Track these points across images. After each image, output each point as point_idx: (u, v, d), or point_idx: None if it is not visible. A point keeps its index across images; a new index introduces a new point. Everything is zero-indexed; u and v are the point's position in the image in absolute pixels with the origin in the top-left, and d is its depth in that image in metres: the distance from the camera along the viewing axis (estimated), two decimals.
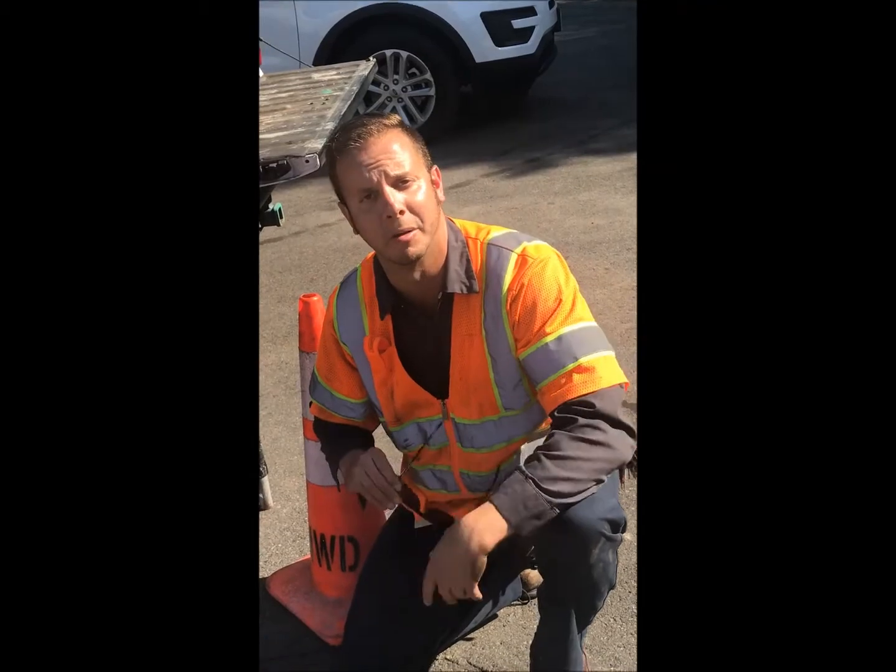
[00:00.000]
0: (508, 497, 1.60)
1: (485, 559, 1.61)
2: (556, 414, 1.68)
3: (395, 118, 1.72)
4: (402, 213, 1.64)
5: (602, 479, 1.65)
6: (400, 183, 1.65)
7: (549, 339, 1.68)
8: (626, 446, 1.67)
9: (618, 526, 1.70)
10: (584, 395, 1.65)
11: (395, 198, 1.64)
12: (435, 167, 1.74)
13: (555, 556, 1.72)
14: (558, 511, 1.61)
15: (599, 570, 1.71)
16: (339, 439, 1.97)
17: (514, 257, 1.73)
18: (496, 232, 1.79)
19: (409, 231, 1.65)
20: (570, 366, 1.67)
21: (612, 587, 1.78)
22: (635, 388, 3.19)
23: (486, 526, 1.59)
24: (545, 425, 1.82)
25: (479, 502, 1.86)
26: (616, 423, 1.66)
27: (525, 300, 1.70)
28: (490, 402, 1.78)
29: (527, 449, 1.78)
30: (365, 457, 1.85)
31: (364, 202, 1.67)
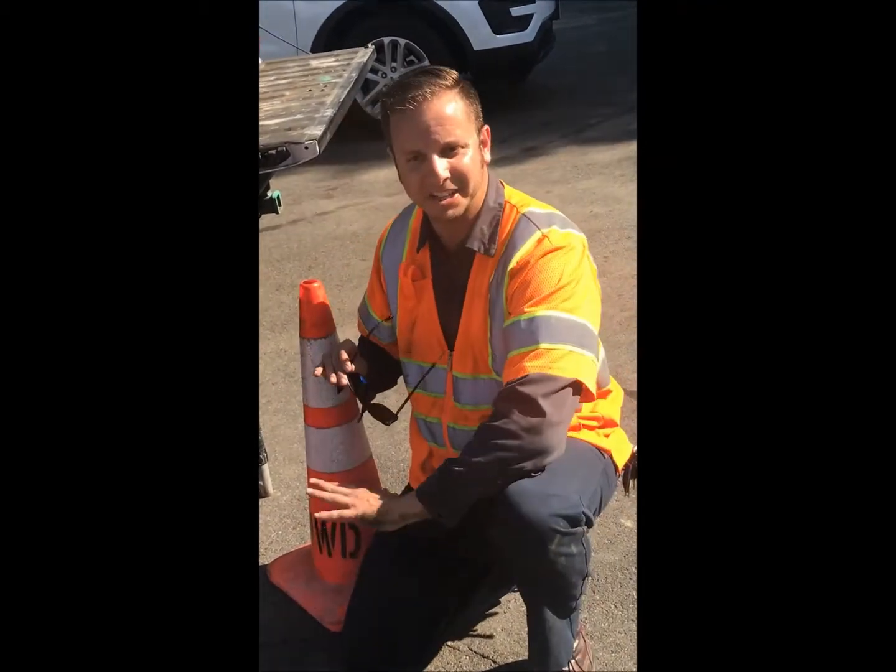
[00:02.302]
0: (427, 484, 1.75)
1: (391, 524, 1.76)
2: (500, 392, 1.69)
3: (451, 77, 1.73)
4: (445, 180, 1.70)
5: (509, 474, 1.66)
6: (448, 150, 1.69)
7: (523, 316, 1.69)
8: (535, 439, 1.64)
9: (577, 521, 1.68)
10: (524, 375, 1.64)
11: (441, 166, 1.69)
12: (486, 127, 1.77)
13: (514, 554, 1.72)
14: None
15: (562, 563, 1.70)
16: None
17: (537, 235, 1.74)
18: (537, 207, 1.81)
19: (451, 195, 1.72)
20: (529, 348, 1.66)
21: (585, 576, 1.77)
22: (635, 376, 3.19)
23: (406, 507, 1.76)
24: None
25: None
26: (532, 410, 1.63)
27: (524, 277, 1.71)
28: (483, 360, 1.80)
29: None
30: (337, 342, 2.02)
31: (411, 162, 1.72)
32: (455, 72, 1.76)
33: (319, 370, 1.91)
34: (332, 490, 1.79)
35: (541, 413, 1.63)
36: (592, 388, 1.71)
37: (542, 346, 1.66)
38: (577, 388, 1.68)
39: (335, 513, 1.76)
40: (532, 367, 1.64)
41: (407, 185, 1.77)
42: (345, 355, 1.90)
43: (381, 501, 1.78)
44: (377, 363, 2.00)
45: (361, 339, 2.06)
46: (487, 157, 1.77)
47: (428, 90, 1.67)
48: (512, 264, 1.73)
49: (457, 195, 1.72)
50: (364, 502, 1.77)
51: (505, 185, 1.85)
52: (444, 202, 1.72)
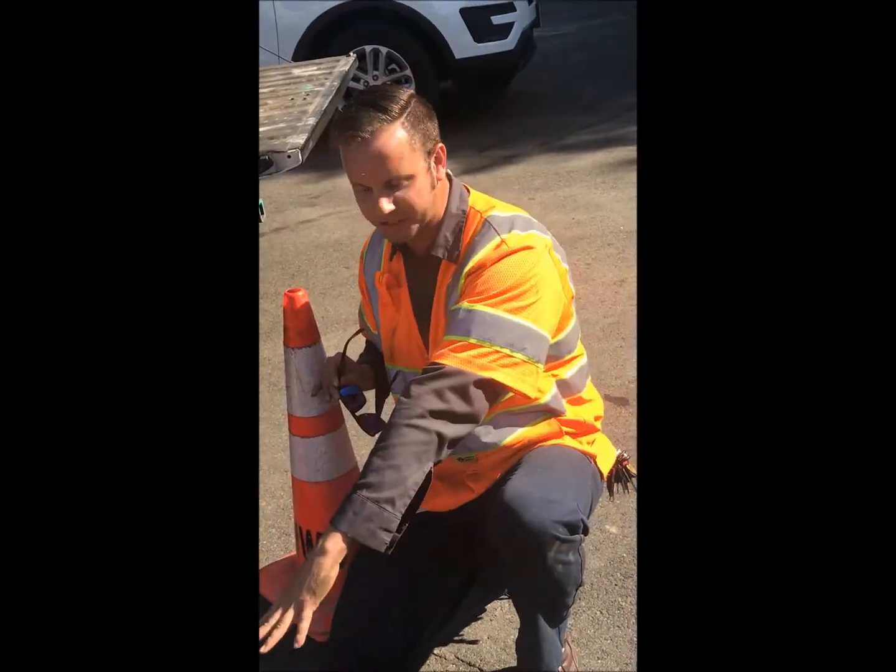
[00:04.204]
0: (345, 514, 1.57)
1: (328, 572, 1.57)
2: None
3: (397, 106, 1.67)
4: (391, 212, 1.71)
5: (429, 462, 1.60)
6: (391, 184, 1.69)
7: (464, 306, 1.70)
8: (437, 424, 1.60)
9: (576, 528, 1.69)
10: (441, 362, 1.64)
11: (385, 200, 1.70)
12: (440, 146, 1.75)
13: (512, 559, 1.73)
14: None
15: (559, 571, 1.71)
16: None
17: (495, 240, 1.75)
18: (501, 211, 1.81)
19: (398, 222, 1.74)
20: (459, 337, 1.66)
21: (579, 585, 1.78)
22: (619, 381, 3.19)
23: (325, 546, 1.57)
24: (514, 404, 1.80)
25: (452, 483, 1.87)
26: (438, 399, 1.61)
27: (477, 277, 1.73)
28: None
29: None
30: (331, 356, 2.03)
31: (359, 191, 1.74)
32: (404, 96, 1.71)
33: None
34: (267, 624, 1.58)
35: (445, 402, 1.61)
36: (527, 390, 1.69)
37: (472, 339, 1.66)
38: (492, 386, 1.65)
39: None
40: (452, 359, 1.64)
41: (361, 208, 1.78)
42: (334, 376, 1.96)
43: (298, 579, 1.59)
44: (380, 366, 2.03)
45: (367, 343, 2.10)
46: (442, 174, 1.77)
47: (370, 128, 1.65)
48: (468, 267, 1.75)
49: (403, 222, 1.74)
50: (291, 600, 1.59)
51: (470, 190, 1.85)
52: (393, 228, 1.75)
